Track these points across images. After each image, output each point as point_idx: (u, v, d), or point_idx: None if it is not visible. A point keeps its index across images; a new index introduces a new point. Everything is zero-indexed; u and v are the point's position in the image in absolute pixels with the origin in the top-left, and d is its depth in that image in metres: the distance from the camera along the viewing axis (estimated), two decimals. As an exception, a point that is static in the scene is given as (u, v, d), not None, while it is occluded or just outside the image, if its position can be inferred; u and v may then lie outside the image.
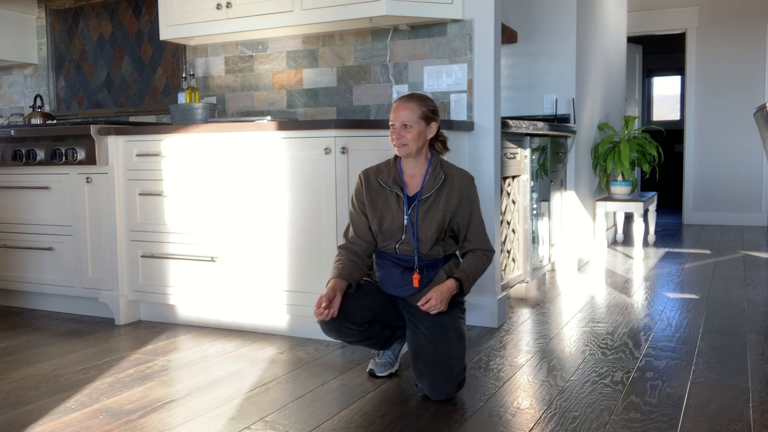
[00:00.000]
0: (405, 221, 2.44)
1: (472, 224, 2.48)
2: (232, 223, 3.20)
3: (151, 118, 4.35)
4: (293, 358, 2.85)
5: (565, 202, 4.78)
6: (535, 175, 4.03)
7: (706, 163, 7.54)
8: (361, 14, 3.25)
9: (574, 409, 2.24)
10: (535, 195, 4.01)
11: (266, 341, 3.11)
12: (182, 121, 3.55)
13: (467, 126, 3.30)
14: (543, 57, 4.87)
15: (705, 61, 7.48)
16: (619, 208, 5.44)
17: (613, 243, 6.21)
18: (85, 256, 3.57)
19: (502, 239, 3.61)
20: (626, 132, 5.55)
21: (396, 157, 2.51)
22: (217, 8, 3.57)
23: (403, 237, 2.45)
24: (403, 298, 2.50)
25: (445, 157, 2.57)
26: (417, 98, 2.43)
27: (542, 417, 2.18)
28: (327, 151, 2.94)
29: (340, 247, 2.54)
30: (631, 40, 7.76)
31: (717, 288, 4.14)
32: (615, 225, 6.39)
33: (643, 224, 5.35)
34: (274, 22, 3.46)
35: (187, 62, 4.15)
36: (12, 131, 3.67)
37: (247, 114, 3.99)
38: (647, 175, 6.67)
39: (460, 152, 3.28)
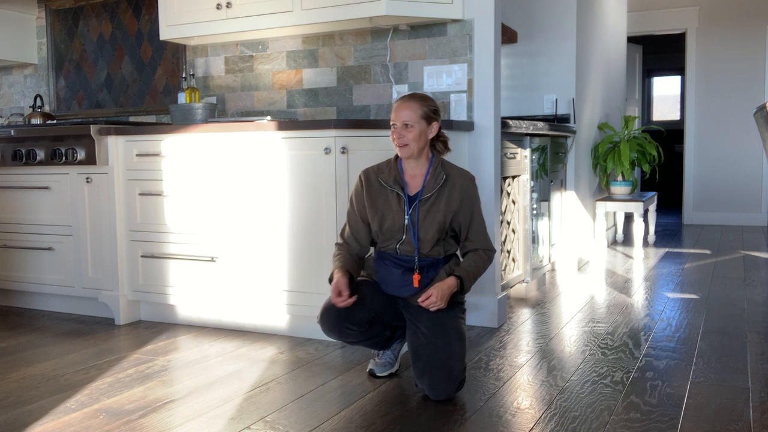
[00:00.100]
0: (406, 221, 2.44)
1: (473, 224, 2.48)
2: (232, 223, 3.20)
3: (151, 118, 4.35)
4: (293, 358, 2.85)
5: (565, 202, 4.78)
6: (535, 175, 4.03)
7: (706, 163, 7.54)
8: (361, 14, 3.25)
9: (574, 409, 2.24)
10: (535, 195, 4.01)
11: (266, 341, 3.11)
12: (182, 121, 3.55)
13: (467, 126, 3.30)
14: (543, 57, 4.87)
15: (705, 61, 7.48)
16: (619, 208, 5.44)
17: (613, 243, 6.21)
18: (85, 256, 3.57)
19: (502, 239, 3.61)
20: (626, 132, 5.55)
21: (397, 157, 2.51)
22: (217, 8, 3.57)
23: (404, 237, 2.45)
24: (404, 298, 2.50)
25: (446, 157, 2.56)
26: (418, 98, 2.43)
27: (542, 417, 2.18)
28: (327, 151, 2.94)
29: (338, 244, 2.56)
30: (631, 40, 7.76)
31: (717, 288, 4.14)
32: (615, 225, 6.39)
33: (643, 224, 5.35)
34: (274, 22, 3.46)
35: (187, 62, 4.15)
36: (12, 131, 3.67)
37: (247, 114, 3.99)
38: (647, 175, 6.67)
39: (460, 152, 3.28)
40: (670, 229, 7.19)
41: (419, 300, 2.36)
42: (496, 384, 2.50)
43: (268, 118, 3.38)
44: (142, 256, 3.45)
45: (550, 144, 4.35)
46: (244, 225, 3.18)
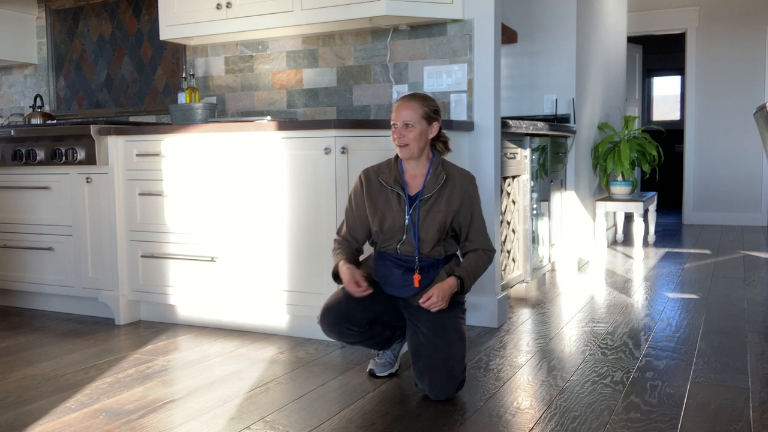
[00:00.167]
0: (406, 221, 2.44)
1: (474, 224, 2.48)
2: (232, 223, 3.20)
3: (151, 118, 4.35)
4: (293, 358, 2.85)
5: (565, 202, 4.78)
6: (535, 175, 4.03)
7: (706, 163, 7.54)
8: (361, 14, 3.25)
9: (574, 409, 2.24)
10: (535, 195, 4.01)
11: (266, 341, 3.11)
12: (182, 121, 3.55)
13: (467, 126, 3.30)
14: (543, 57, 4.87)
15: (705, 61, 7.48)
16: (619, 208, 5.44)
17: (613, 243, 6.21)
18: (85, 256, 3.57)
19: (502, 239, 3.61)
20: (626, 132, 5.55)
21: (397, 157, 2.51)
22: (217, 8, 3.57)
23: (404, 237, 2.45)
24: (404, 299, 2.50)
25: (446, 157, 2.56)
26: (419, 98, 2.43)
27: (542, 417, 2.18)
28: (327, 151, 2.94)
29: (336, 240, 2.58)
30: (631, 40, 7.76)
31: (717, 288, 4.14)
32: (615, 225, 6.39)
33: (643, 224, 5.35)
34: (274, 22, 3.46)
35: (187, 62, 4.15)
36: (12, 131, 3.67)
37: (247, 114, 3.99)
38: (647, 175, 6.67)
39: (460, 152, 3.28)
40: (670, 229, 7.19)
41: (420, 301, 2.36)
42: (496, 384, 2.50)
43: (268, 118, 3.38)
44: (142, 256, 3.45)
45: (550, 144, 4.35)
46: (244, 225, 3.18)
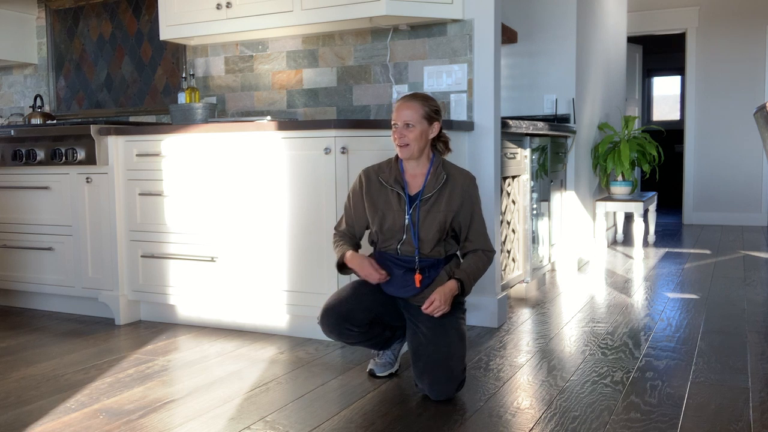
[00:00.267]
0: (406, 221, 2.44)
1: (474, 224, 2.48)
2: (232, 223, 3.20)
3: (151, 118, 4.35)
4: (293, 358, 2.85)
5: (565, 202, 4.78)
6: (535, 175, 4.03)
7: (706, 163, 7.54)
8: (361, 14, 3.25)
9: (574, 409, 2.24)
10: (535, 195, 4.01)
11: (266, 341, 3.11)
12: (182, 121, 3.55)
13: (467, 126, 3.30)
14: (543, 57, 4.87)
15: (705, 61, 7.48)
16: (619, 208, 5.44)
17: (613, 243, 6.21)
18: (85, 256, 3.57)
19: (502, 239, 3.61)
20: (626, 132, 5.55)
21: (397, 157, 2.51)
22: (217, 8, 3.57)
23: (404, 237, 2.45)
24: (404, 299, 2.50)
25: (446, 157, 2.57)
26: (420, 98, 2.43)
27: (542, 417, 2.18)
28: (327, 151, 2.94)
29: (336, 233, 2.60)
30: (631, 40, 7.76)
31: (717, 288, 4.14)
32: (615, 225, 6.39)
33: (643, 224, 5.35)
34: (274, 22, 3.46)
35: (187, 62, 4.15)
36: (12, 131, 3.67)
37: (247, 114, 3.99)
38: (647, 175, 6.67)
39: (461, 152, 3.27)
40: (670, 229, 7.19)
41: (423, 308, 2.36)
42: (496, 384, 2.50)
43: (268, 118, 3.38)
44: (142, 256, 3.45)
45: (550, 144, 4.35)
46: (244, 225, 3.18)
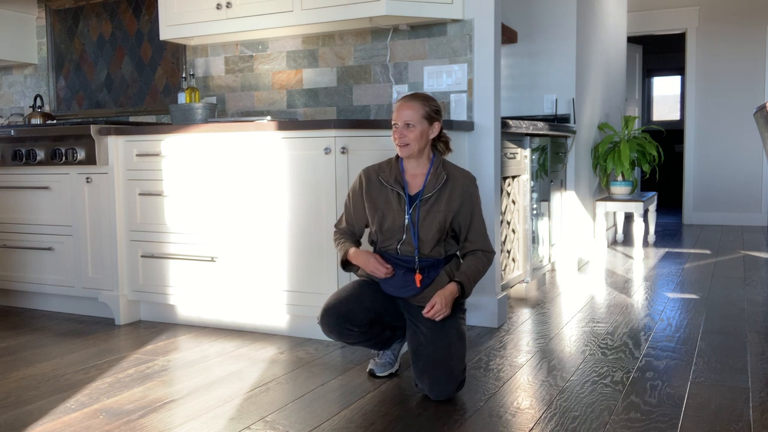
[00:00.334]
0: (406, 221, 2.44)
1: (474, 225, 2.48)
2: (232, 223, 3.20)
3: (151, 118, 4.35)
4: (293, 358, 2.85)
5: (565, 202, 4.78)
6: (535, 175, 4.03)
7: (706, 163, 7.54)
8: (361, 14, 3.25)
9: (574, 409, 2.24)
10: (535, 195, 4.01)
11: (266, 341, 3.11)
12: (182, 121, 3.55)
13: (467, 126, 3.30)
14: (543, 57, 4.87)
15: (705, 61, 7.48)
16: (619, 208, 5.44)
17: (613, 243, 6.21)
18: (85, 256, 3.57)
19: (502, 239, 3.61)
20: (626, 132, 5.55)
21: (398, 157, 2.51)
22: (217, 8, 3.57)
23: (404, 237, 2.45)
24: (404, 299, 2.50)
25: (446, 157, 2.57)
26: (420, 98, 2.43)
27: (542, 417, 2.18)
28: (327, 151, 2.94)
29: (337, 231, 2.61)
30: (631, 40, 7.76)
31: (717, 288, 4.14)
32: (615, 225, 6.39)
33: (643, 224, 5.35)
34: (274, 22, 3.46)
35: (187, 62, 4.15)
36: (12, 131, 3.67)
37: (247, 114, 3.99)
38: (647, 175, 6.67)
39: (461, 152, 3.27)
40: (670, 229, 7.19)
41: (424, 312, 2.36)
42: (496, 384, 2.50)
43: (268, 118, 3.38)
44: (142, 256, 3.45)
45: (550, 144, 4.35)
46: (244, 225, 3.18)
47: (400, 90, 3.55)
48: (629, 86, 7.89)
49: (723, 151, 7.47)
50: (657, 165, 5.89)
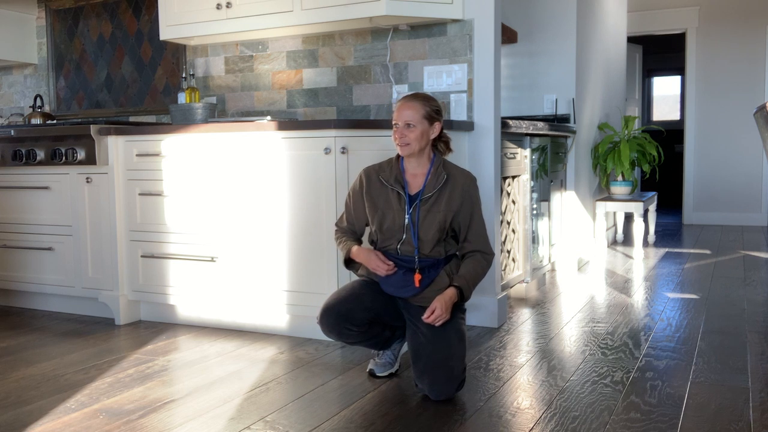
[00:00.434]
0: (406, 220, 2.44)
1: (473, 225, 2.48)
2: (232, 223, 3.20)
3: (151, 118, 4.35)
4: (293, 358, 2.85)
5: (565, 202, 4.78)
6: (535, 175, 4.03)
7: (706, 163, 7.54)
8: (361, 14, 3.25)
9: (574, 409, 2.24)
10: (535, 195, 4.01)
11: (266, 341, 3.11)
12: (182, 121, 3.55)
13: (467, 126, 3.30)
14: (543, 57, 4.87)
15: (705, 61, 7.48)
16: (619, 208, 5.44)
17: (613, 243, 6.21)
18: (85, 256, 3.57)
19: (502, 239, 3.61)
20: (626, 132, 5.55)
21: (398, 156, 2.52)
22: (217, 8, 3.57)
23: (404, 237, 2.45)
24: (404, 299, 2.50)
25: (446, 157, 2.56)
26: (421, 98, 2.43)
27: (542, 417, 2.18)
28: (327, 151, 2.94)
29: (338, 229, 2.62)
30: (631, 40, 7.76)
31: (717, 288, 4.14)
32: (615, 225, 6.39)
33: (643, 224, 5.35)
34: (274, 22, 3.46)
35: (187, 62, 4.15)
36: (12, 131, 3.67)
37: (247, 114, 3.99)
38: (647, 175, 6.67)
39: (461, 152, 3.27)
40: (670, 229, 7.19)
41: (424, 317, 2.36)
42: (496, 384, 2.50)
43: (268, 118, 3.38)
44: (142, 256, 3.45)
45: (550, 144, 4.35)
46: (244, 225, 3.18)
47: (400, 90, 3.55)
48: (629, 86, 7.89)
49: (723, 151, 7.47)
50: (657, 165, 5.89)
